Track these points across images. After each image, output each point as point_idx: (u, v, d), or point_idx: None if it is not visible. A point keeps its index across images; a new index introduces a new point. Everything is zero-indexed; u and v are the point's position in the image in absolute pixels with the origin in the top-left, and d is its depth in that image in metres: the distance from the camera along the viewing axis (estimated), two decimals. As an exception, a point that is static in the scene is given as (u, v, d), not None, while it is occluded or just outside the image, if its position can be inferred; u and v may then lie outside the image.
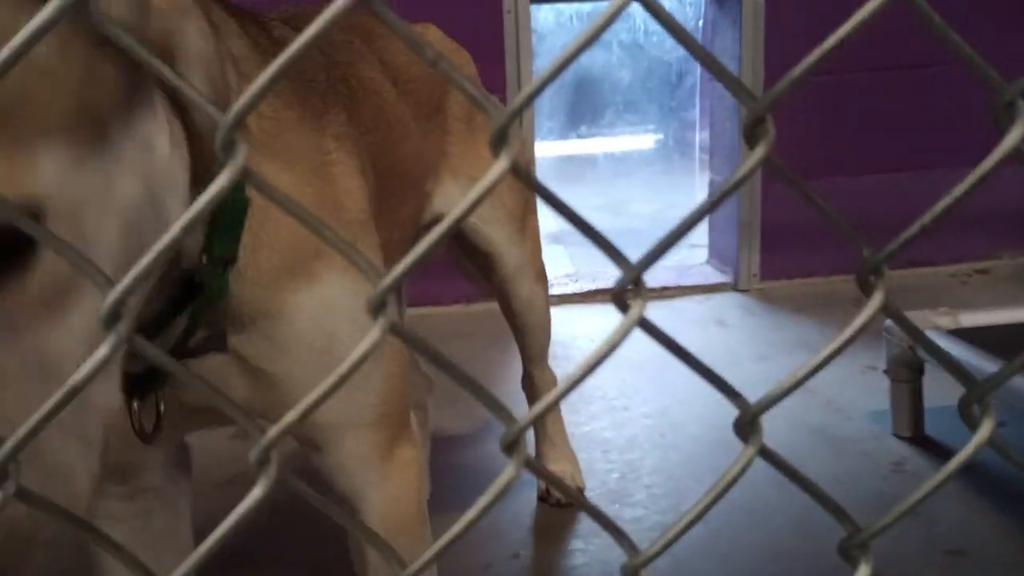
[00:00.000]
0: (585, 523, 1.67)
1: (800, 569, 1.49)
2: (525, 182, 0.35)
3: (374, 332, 0.35)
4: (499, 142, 0.34)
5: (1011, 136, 0.36)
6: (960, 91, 2.84)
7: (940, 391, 1.88)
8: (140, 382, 0.75)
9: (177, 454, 1.05)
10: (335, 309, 0.83)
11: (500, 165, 0.35)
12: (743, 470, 0.39)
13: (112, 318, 0.34)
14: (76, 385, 0.34)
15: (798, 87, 0.31)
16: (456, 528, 0.37)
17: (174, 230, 0.34)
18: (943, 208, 0.35)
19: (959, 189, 0.36)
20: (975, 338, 1.66)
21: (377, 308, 0.35)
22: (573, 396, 2.14)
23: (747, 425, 0.38)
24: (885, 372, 1.93)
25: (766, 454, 0.39)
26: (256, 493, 0.35)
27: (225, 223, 0.74)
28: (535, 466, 0.38)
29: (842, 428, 1.97)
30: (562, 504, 1.72)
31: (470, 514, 0.37)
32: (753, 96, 0.34)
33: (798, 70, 0.32)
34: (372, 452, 0.90)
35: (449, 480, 1.77)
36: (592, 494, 1.76)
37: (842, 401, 2.10)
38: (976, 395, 0.38)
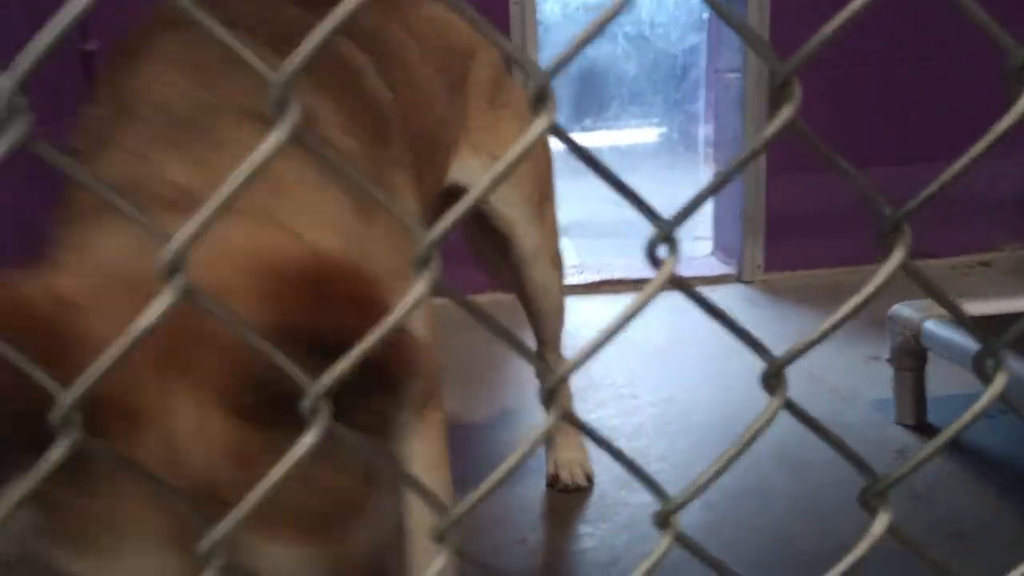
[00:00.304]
0: (592, 509, 1.69)
1: (805, 553, 1.50)
2: (563, 140, 0.37)
3: (419, 287, 0.37)
4: (538, 102, 0.36)
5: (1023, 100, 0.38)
6: (968, 83, 2.85)
7: (943, 380, 1.90)
8: None
9: None
10: None
11: (539, 125, 0.36)
12: (768, 421, 0.41)
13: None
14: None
15: (826, 46, 0.33)
16: (496, 475, 0.39)
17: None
18: (961, 167, 0.37)
19: (975, 149, 0.37)
20: (978, 327, 1.68)
21: (422, 264, 0.37)
22: (582, 383, 2.15)
23: (773, 378, 0.40)
24: (888, 361, 1.94)
25: (791, 407, 0.40)
26: (308, 440, 0.37)
27: None
28: (572, 418, 0.40)
29: (846, 416, 1.99)
30: (569, 490, 1.74)
31: (510, 461, 0.38)
32: (779, 58, 0.36)
33: (828, 28, 0.34)
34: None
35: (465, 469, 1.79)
36: (600, 480, 1.78)
37: (846, 390, 2.12)
38: (991, 349, 0.40)
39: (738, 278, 3.08)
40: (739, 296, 2.94)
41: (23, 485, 0.35)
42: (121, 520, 0.49)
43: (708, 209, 3.23)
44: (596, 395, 2.16)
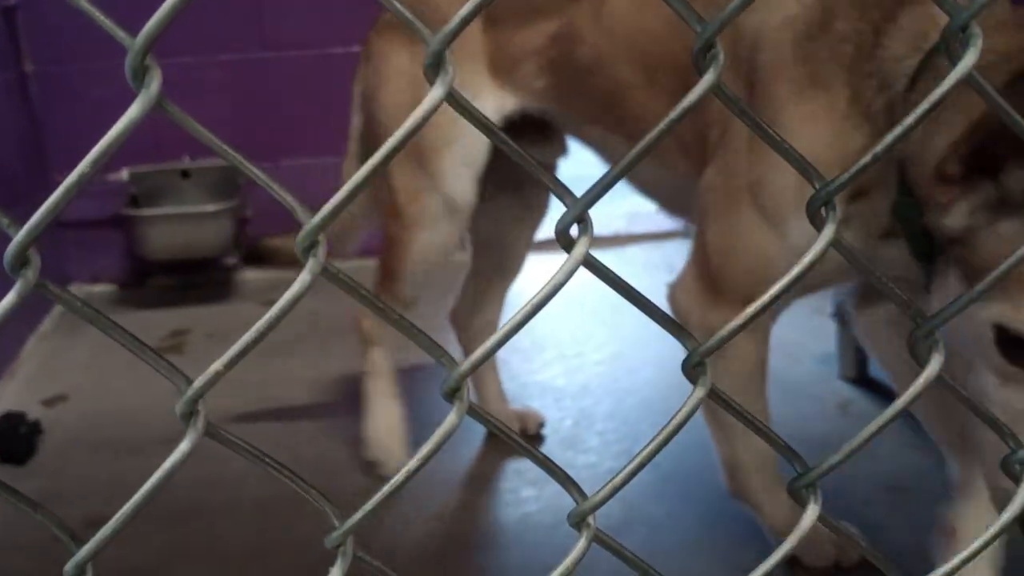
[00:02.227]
0: (537, 470, 1.66)
1: (737, 536, 1.50)
2: (460, 110, 0.33)
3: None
4: (435, 69, 0.32)
5: (964, 62, 0.35)
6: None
7: (885, 333, 1.91)
8: None
9: None
10: None
11: (436, 93, 0.33)
12: (692, 412, 0.38)
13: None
14: None
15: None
16: (398, 478, 0.36)
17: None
18: (893, 139, 0.34)
19: (908, 120, 0.35)
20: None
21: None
22: (525, 344, 2.13)
23: (695, 367, 0.37)
24: (832, 316, 1.95)
25: (715, 396, 0.38)
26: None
27: None
28: (479, 412, 0.37)
29: (791, 371, 1.99)
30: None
31: (411, 464, 0.35)
32: (702, 19, 0.32)
33: (747, -13, 0.30)
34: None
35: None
36: (545, 442, 1.76)
37: (791, 344, 2.13)
38: (924, 331, 0.37)
39: (685, 234, 3.07)
40: (686, 252, 2.93)
41: None
42: None
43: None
44: (541, 355, 2.14)
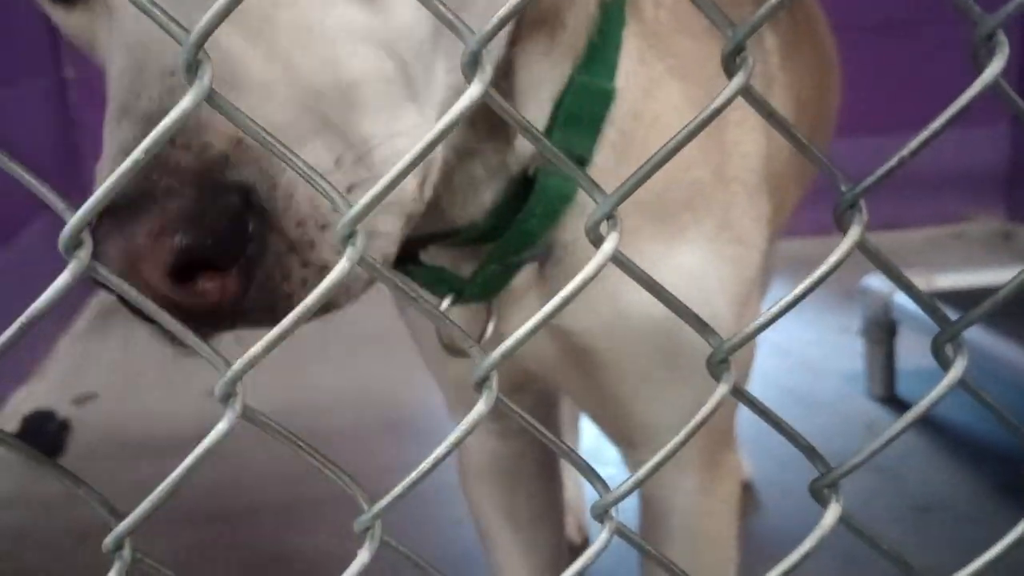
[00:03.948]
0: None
1: (774, 512, 1.50)
2: (496, 107, 0.34)
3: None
4: (472, 67, 0.34)
5: (990, 69, 0.35)
6: (940, 54, 2.84)
7: (913, 353, 1.90)
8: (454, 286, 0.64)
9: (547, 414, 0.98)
10: (695, 282, 0.67)
11: (474, 90, 0.34)
12: (714, 410, 0.38)
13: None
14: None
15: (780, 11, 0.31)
16: (425, 465, 0.37)
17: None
18: (921, 142, 0.35)
19: (936, 123, 0.35)
20: (950, 299, 1.67)
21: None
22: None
23: (719, 364, 0.38)
24: (859, 333, 1.94)
25: (738, 393, 0.38)
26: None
27: (577, 113, 0.60)
28: (506, 403, 0.37)
29: (816, 389, 1.98)
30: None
31: (439, 450, 0.36)
32: (733, 23, 0.33)
33: (777, -11, 0.31)
34: (693, 456, 0.76)
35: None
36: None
37: (816, 362, 2.12)
38: (949, 334, 0.38)
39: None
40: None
41: None
42: None
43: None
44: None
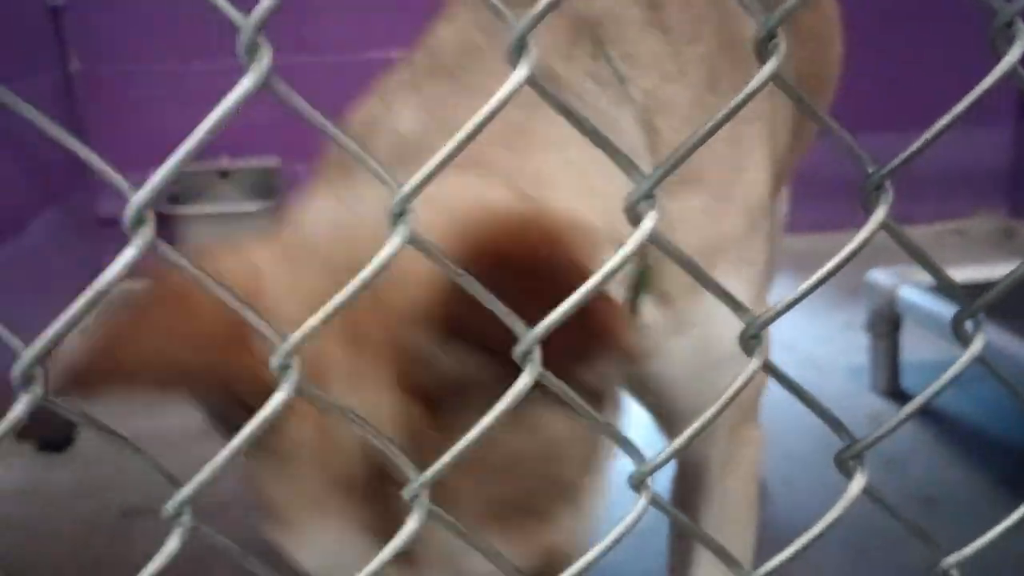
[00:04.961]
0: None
1: (804, 484, 1.52)
2: (541, 92, 0.36)
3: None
4: (518, 52, 0.35)
5: (1008, 57, 0.37)
6: (948, 50, 2.85)
7: (916, 347, 1.92)
8: None
9: None
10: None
11: (519, 74, 0.35)
12: (746, 384, 0.40)
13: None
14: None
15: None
16: (473, 434, 0.38)
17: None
18: (944, 126, 0.36)
19: (958, 107, 0.37)
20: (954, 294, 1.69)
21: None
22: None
23: (752, 339, 0.39)
24: (864, 328, 1.96)
25: (769, 368, 0.40)
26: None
27: None
28: (549, 377, 0.39)
29: (820, 384, 2.00)
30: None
31: (485, 421, 0.38)
32: (765, 10, 0.35)
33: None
34: (723, 428, 0.83)
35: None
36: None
37: (821, 358, 2.13)
38: (970, 312, 0.39)
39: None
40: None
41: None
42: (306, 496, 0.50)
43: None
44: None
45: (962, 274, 1.87)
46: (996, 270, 1.91)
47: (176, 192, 2.74)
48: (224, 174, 2.78)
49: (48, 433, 1.86)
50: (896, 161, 0.36)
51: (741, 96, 0.35)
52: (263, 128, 2.74)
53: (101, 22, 2.70)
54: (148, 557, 0.37)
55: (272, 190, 2.71)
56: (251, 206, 2.66)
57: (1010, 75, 0.39)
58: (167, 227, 2.71)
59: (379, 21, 2.70)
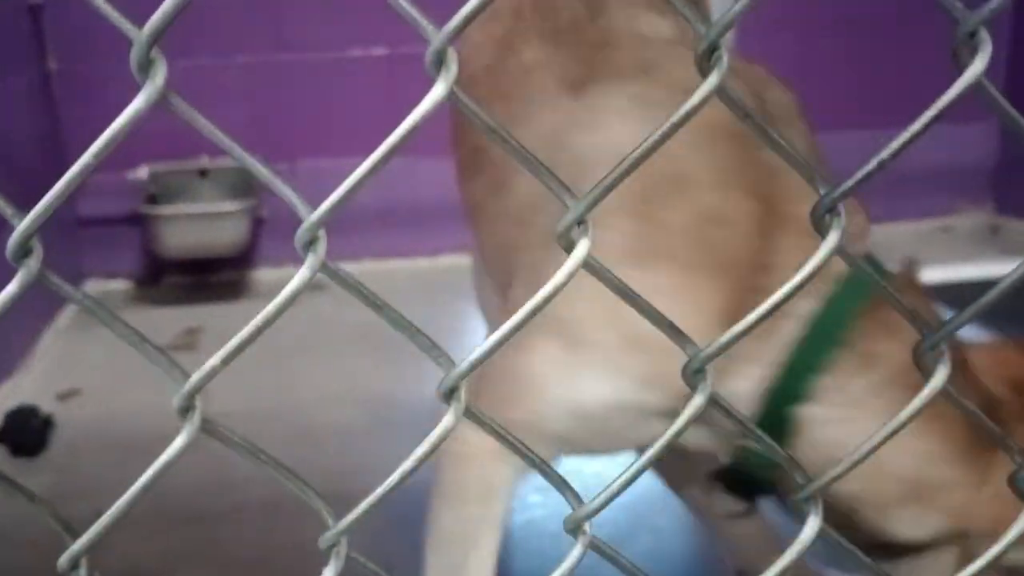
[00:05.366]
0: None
1: None
2: (463, 105, 0.33)
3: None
4: (437, 65, 0.32)
5: (972, 69, 0.34)
6: (920, 52, 2.83)
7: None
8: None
9: None
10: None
11: (438, 90, 0.33)
12: (690, 421, 0.37)
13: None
14: None
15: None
16: (393, 479, 0.36)
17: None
18: (900, 145, 0.34)
19: (915, 126, 0.34)
20: (938, 293, 1.66)
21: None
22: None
23: (695, 374, 0.37)
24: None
25: (715, 403, 0.37)
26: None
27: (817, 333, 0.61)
28: (477, 414, 0.36)
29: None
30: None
31: (406, 464, 0.35)
32: (706, 20, 0.32)
33: (750, -12, 0.30)
34: None
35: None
36: (555, 448, 1.75)
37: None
38: (931, 342, 0.37)
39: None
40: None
41: None
42: None
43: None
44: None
45: (948, 273, 1.85)
46: (982, 269, 1.89)
47: (154, 192, 2.70)
48: (203, 173, 2.75)
49: (22, 438, 1.83)
50: (848, 184, 0.33)
51: (680, 114, 0.33)
52: (243, 127, 2.72)
53: (79, 21, 2.66)
54: (123, 562, 0.34)
55: (252, 190, 2.68)
56: (231, 206, 2.63)
57: (975, 88, 0.37)
58: (146, 227, 2.68)
59: (360, 20, 2.67)
